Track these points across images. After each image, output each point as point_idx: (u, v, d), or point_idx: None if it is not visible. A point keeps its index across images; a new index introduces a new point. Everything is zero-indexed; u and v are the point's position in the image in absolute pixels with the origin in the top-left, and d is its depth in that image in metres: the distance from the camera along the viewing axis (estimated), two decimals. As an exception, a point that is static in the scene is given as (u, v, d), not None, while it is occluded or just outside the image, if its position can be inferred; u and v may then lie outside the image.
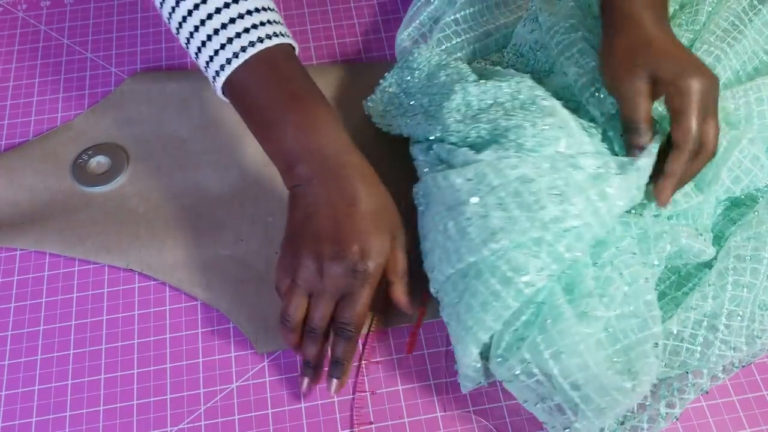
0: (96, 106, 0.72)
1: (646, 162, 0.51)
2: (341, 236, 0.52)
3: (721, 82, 0.56)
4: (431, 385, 0.56)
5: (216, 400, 0.56)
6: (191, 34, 0.55)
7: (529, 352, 0.47)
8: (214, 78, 0.56)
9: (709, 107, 0.52)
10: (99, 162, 0.68)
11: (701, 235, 0.52)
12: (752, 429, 0.54)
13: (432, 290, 0.55)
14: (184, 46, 0.57)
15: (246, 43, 0.54)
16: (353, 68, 0.75)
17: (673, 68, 0.52)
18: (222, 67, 0.54)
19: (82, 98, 0.74)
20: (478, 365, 0.51)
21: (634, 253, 0.49)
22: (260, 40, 0.54)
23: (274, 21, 0.56)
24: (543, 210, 0.49)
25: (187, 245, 0.63)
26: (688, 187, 0.54)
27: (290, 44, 0.57)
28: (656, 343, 0.46)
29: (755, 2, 0.59)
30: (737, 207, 0.56)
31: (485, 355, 0.51)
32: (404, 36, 0.70)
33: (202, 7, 0.54)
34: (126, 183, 0.67)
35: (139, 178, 0.67)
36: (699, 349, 0.49)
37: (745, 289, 0.50)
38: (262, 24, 0.55)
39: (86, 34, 0.79)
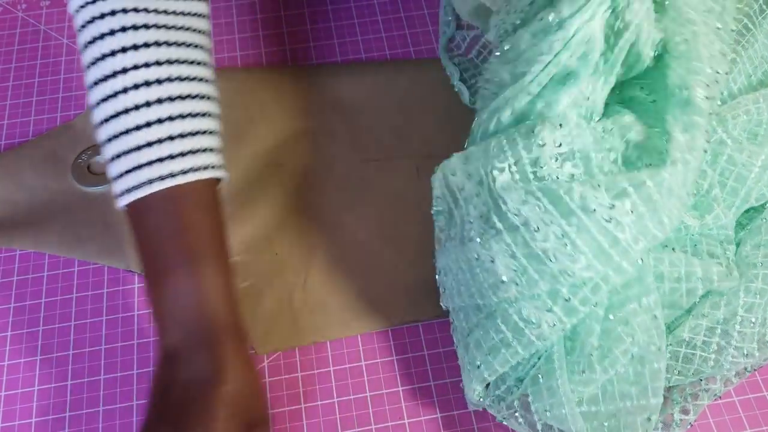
0: (96, 106, 0.72)
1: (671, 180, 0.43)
2: (183, 419, 0.46)
3: (735, 87, 0.55)
4: (431, 386, 0.56)
5: (216, 400, 0.56)
6: (110, 139, 0.48)
7: (519, 401, 0.48)
8: (116, 196, 0.49)
9: None
10: (99, 162, 0.68)
11: (727, 266, 0.50)
12: (753, 430, 0.54)
13: (442, 305, 0.54)
14: (101, 143, 0.49)
15: (155, 176, 0.47)
16: (353, 68, 0.74)
17: None
18: (122, 193, 0.48)
19: (82, 98, 0.74)
20: (482, 397, 0.51)
21: (656, 316, 0.46)
22: (172, 174, 0.47)
23: (202, 149, 0.48)
24: (553, 262, 0.44)
25: (187, 246, 0.63)
26: (719, 209, 0.51)
27: (211, 179, 0.49)
28: (649, 417, 0.45)
29: (763, 6, 0.58)
30: (745, 211, 0.55)
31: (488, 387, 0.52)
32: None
33: (132, 113, 0.47)
34: (126, 183, 0.67)
35: (138, 179, 0.67)
36: (713, 356, 0.49)
37: (757, 296, 0.50)
38: (182, 155, 0.47)
39: (86, 34, 0.79)
